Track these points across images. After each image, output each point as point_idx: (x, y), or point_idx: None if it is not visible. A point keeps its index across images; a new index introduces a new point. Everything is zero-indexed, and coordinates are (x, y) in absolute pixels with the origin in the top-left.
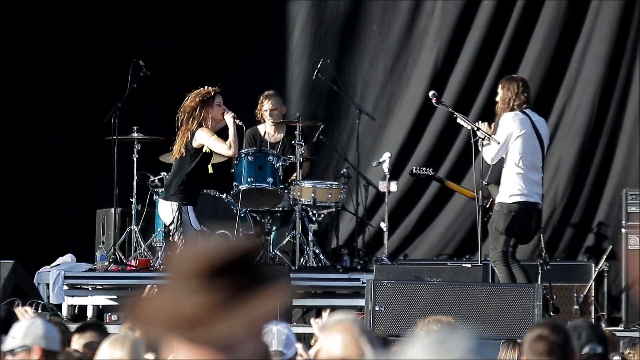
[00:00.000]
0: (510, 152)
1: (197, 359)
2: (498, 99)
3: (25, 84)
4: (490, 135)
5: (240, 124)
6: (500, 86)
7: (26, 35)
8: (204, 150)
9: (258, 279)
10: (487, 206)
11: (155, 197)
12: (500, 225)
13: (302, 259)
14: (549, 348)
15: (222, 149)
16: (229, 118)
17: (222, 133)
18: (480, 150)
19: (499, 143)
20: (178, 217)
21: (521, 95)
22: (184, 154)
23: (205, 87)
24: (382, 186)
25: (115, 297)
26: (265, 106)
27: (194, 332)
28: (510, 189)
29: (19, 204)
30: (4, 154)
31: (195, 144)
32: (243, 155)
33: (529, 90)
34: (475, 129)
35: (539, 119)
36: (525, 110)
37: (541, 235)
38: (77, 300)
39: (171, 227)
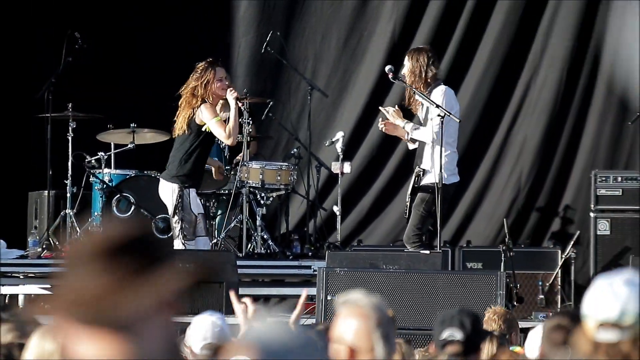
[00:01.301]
0: (444, 130)
1: (101, 344)
2: (405, 71)
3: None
4: (450, 114)
5: (242, 106)
6: (407, 58)
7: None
8: (205, 130)
9: (158, 259)
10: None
11: (91, 178)
12: (432, 207)
13: (249, 245)
14: (567, 338)
15: (221, 135)
16: (230, 98)
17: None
18: (409, 132)
19: (460, 120)
20: (179, 200)
21: (432, 67)
22: (185, 131)
23: (207, 60)
24: (335, 167)
25: (49, 285)
26: None
27: (96, 314)
28: (447, 170)
29: None
30: None
31: (198, 121)
32: None
33: (439, 61)
34: (435, 106)
35: None
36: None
37: (504, 219)
38: (8, 290)
39: (170, 210)
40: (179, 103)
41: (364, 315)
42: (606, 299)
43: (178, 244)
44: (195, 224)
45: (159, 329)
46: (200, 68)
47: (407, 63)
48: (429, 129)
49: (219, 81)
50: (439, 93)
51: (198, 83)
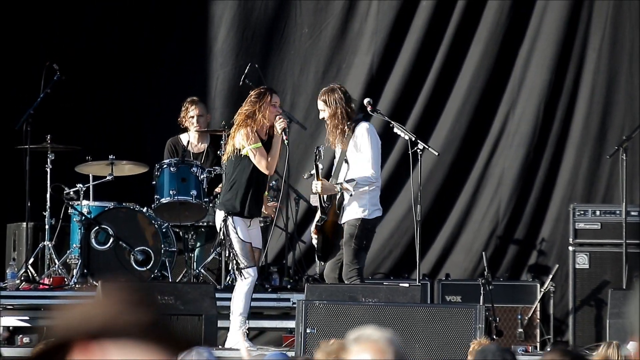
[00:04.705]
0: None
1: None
2: (325, 115)
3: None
4: (428, 147)
5: (286, 139)
6: (322, 100)
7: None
8: (243, 155)
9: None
10: (321, 223)
11: (70, 210)
12: (364, 241)
13: (228, 278)
14: None
15: (261, 163)
16: (278, 127)
17: None
18: (350, 189)
19: (438, 154)
20: (224, 228)
21: (350, 104)
22: (232, 158)
23: (264, 86)
24: (314, 200)
25: (27, 318)
26: (191, 112)
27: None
28: (371, 204)
29: None
30: None
31: (237, 144)
32: (165, 166)
33: (352, 98)
34: (414, 138)
35: None
36: (365, 119)
37: (483, 253)
38: None
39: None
40: (231, 131)
41: (380, 350)
42: None
43: (239, 279)
44: (252, 251)
45: None
46: (257, 93)
47: (324, 106)
48: (368, 170)
49: (273, 106)
50: (361, 130)
51: (255, 107)
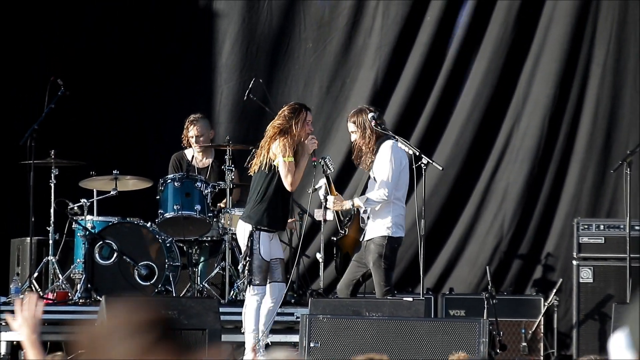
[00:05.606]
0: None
1: None
2: (356, 137)
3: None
4: (432, 161)
5: (314, 161)
6: (352, 122)
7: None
8: (275, 165)
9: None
10: (337, 239)
11: (74, 225)
12: (393, 260)
13: (232, 292)
14: None
15: (287, 178)
16: (310, 146)
17: None
18: (362, 205)
19: (442, 169)
20: (248, 240)
21: (378, 124)
22: (263, 170)
23: (298, 102)
24: (318, 214)
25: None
26: (191, 132)
27: None
28: (394, 223)
29: None
30: None
31: (271, 154)
32: (169, 180)
33: (383, 117)
34: (418, 153)
35: None
36: (391, 139)
37: (487, 267)
38: None
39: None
40: (261, 143)
41: None
42: None
43: (248, 291)
44: (268, 270)
45: None
46: (291, 108)
47: (354, 127)
48: (381, 188)
49: (307, 124)
50: (385, 148)
51: (290, 123)
